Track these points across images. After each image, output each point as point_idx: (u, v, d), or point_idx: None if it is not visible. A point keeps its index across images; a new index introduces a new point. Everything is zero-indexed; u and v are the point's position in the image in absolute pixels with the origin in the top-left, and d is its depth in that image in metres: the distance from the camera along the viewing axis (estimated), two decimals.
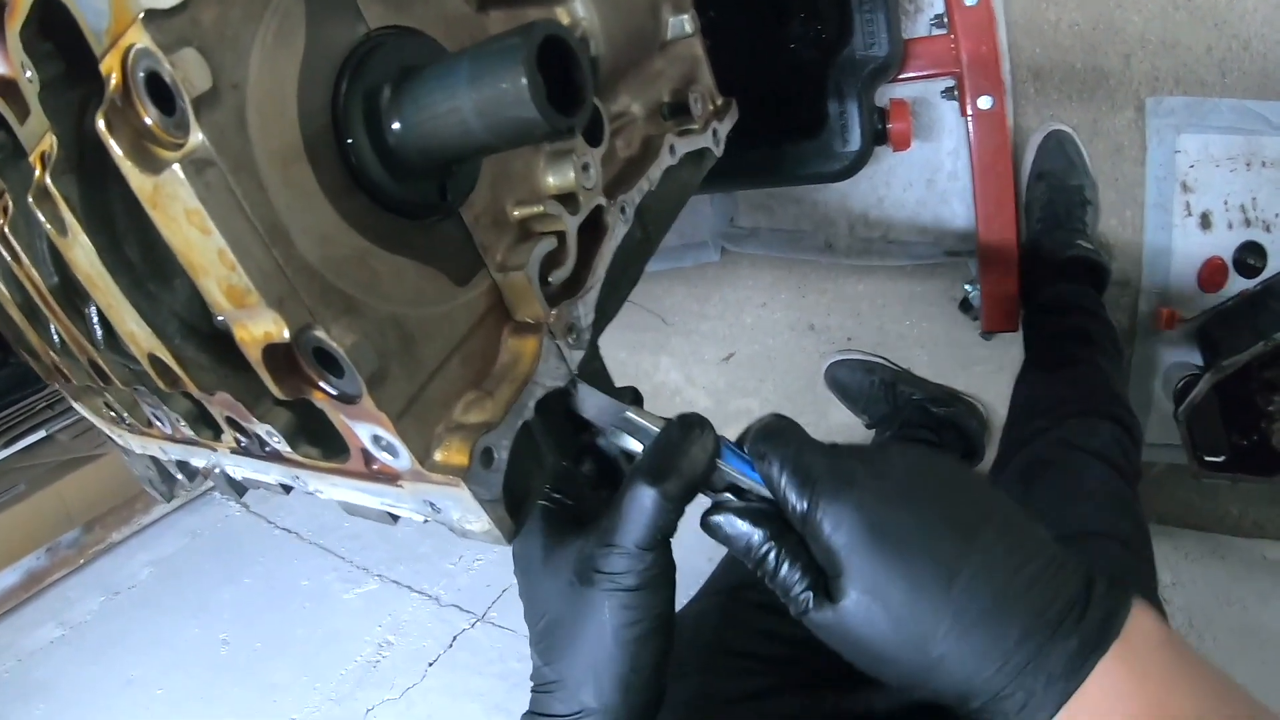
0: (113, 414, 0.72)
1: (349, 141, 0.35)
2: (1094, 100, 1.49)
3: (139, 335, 0.41)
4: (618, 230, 0.46)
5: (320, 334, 0.31)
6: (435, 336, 0.37)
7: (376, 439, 0.36)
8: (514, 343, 0.40)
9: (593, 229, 0.45)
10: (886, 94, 1.33)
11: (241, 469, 0.55)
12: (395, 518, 0.44)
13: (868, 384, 1.72)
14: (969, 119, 1.41)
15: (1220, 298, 1.48)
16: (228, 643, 1.63)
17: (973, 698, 0.36)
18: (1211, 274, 1.48)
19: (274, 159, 0.31)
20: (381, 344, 0.34)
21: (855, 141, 1.23)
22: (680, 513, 0.40)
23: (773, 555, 0.38)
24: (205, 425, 0.54)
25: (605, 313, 0.46)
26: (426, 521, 0.40)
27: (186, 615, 1.72)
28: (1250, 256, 1.44)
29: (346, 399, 0.34)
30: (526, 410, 0.39)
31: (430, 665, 1.49)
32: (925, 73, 1.39)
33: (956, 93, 1.42)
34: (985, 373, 1.68)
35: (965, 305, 1.61)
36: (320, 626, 1.61)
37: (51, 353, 0.68)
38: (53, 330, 0.64)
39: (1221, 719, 0.35)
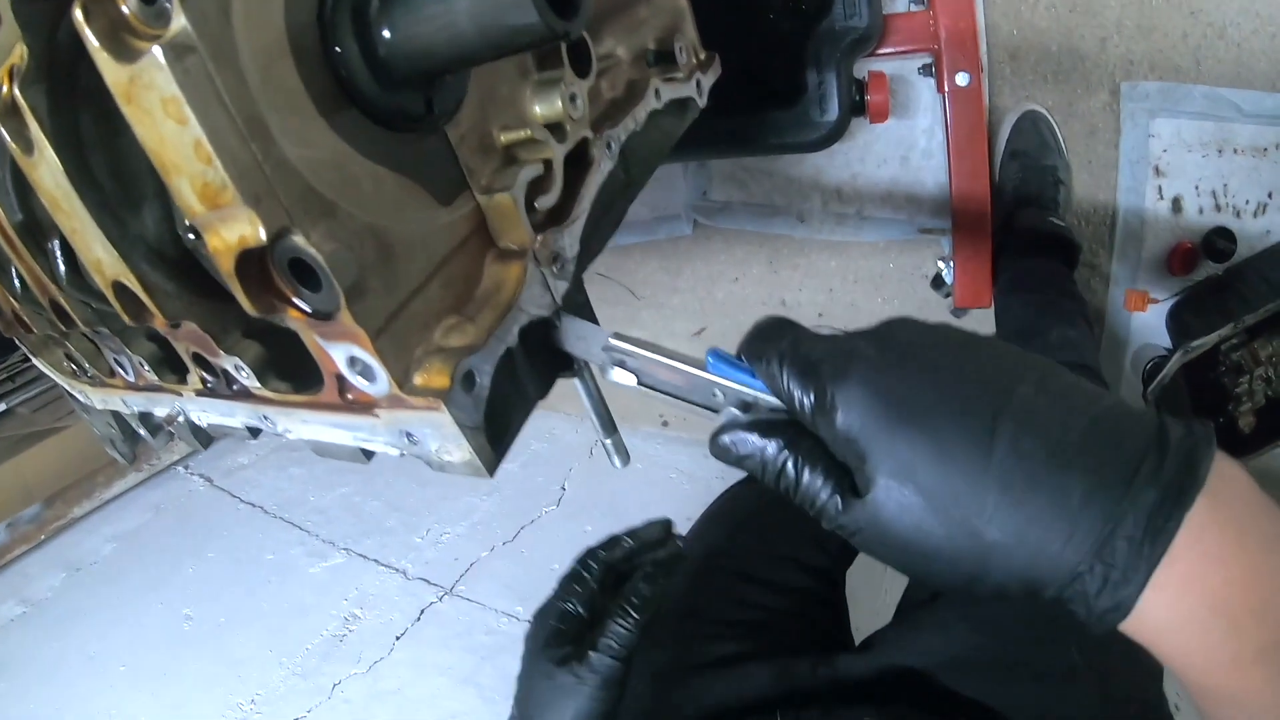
0: (74, 366, 0.70)
1: (336, 46, 0.33)
2: (1069, 82, 1.50)
3: (105, 262, 0.39)
4: (603, 165, 0.45)
5: (298, 240, 0.30)
6: (416, 254, 0.36)
7: (353, 361, 0.34)
8: (497, 269, 0.39)
9: (579, 163, 0.44)
10: (864, 68, 1.33)
11: (207, 414, 0.54)
12: (368, 455, 0.43)
13: None
14: (945, 96, 1.41)
15: (1190, 281, 1.51)
16: (191, 618, 1.60)
17: (1043, 585, 0.31)
18: (1182, 257, 1.50)
19: (257, 53, 0.30)
20: (361, 255, 0.33)
21: (833, 112, 1.22)
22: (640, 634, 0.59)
23: (791, 464, 0.34)
24: (169, 368, 0.52)
25: (589, 249, 0.45)
26: (402, 455, 0.39)
27: (149, 591, 1.68)
28: (1220, 241, 1.46)
29: (322, 315, 0.32)
30: (510, 336, 0.38)
31: (398, 639, 1.48)
32: (903, 48, 1.39)
33: (933, 69, 1.42)
34: None
35: (937, 282, 1.61)
36: (285, 600, 1.58)
37: (12, 300, 0.66)
38: (13, 274, 0.62)
39: None
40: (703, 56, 0.67)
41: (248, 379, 0.41)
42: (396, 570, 1.65)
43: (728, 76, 0.70)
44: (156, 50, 0.27)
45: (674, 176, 1.66)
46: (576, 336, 0.42)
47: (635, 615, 0.59)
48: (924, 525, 0.31)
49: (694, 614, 0.85)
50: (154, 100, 0.28)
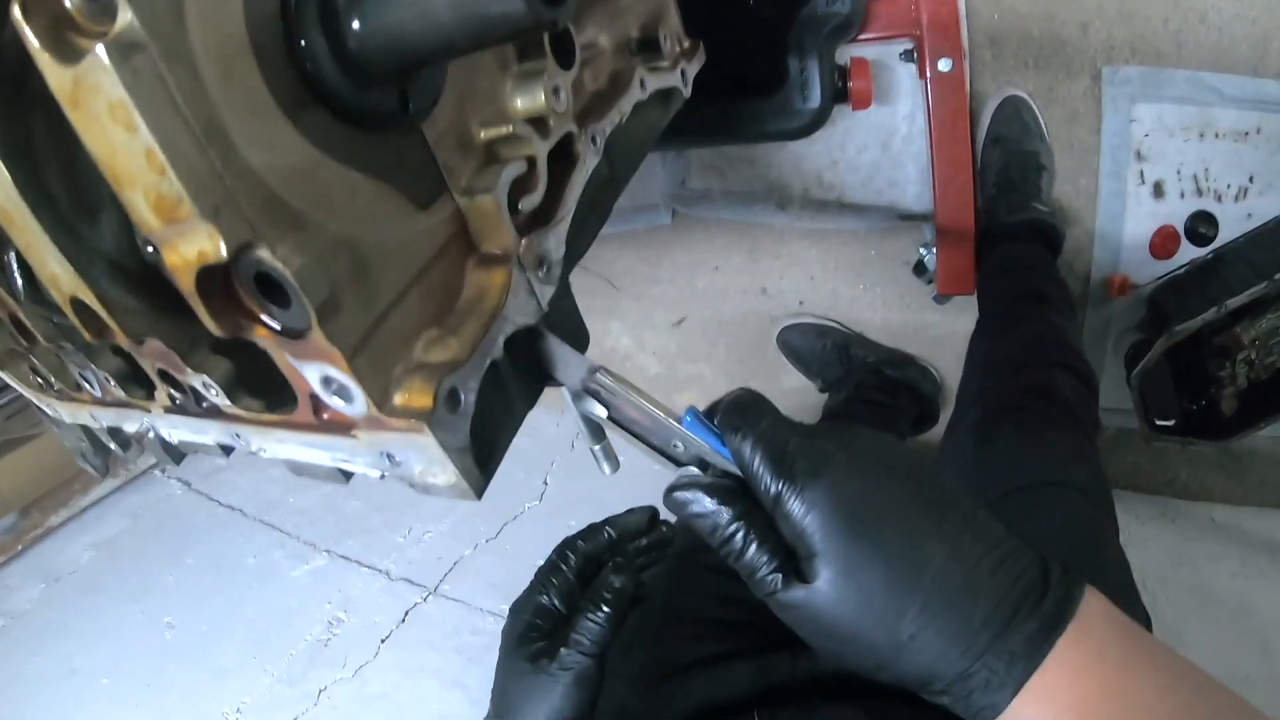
0: (39, 380, 0.67)
1: (301, 39, 0.31)
2: (1050, 67, 1.49)
3: (61, 277, 0.37)
4: (588, 161, 0.43)
5: (263, 254, 0.28)
6: (393, 265, 0.33)
7: (327, 381, 0.32)
8: (480, 275, 0.37)
9: (562, 159, 0.42)
10: (846, 54, 1.31)
11: (177, 431, 0.51)
12: (348, 475, 0.41)
13: (820, 348, 1.72)
14: (928, 81, 1.40)
15: (1172, 265, 1.51)
16: (173, 626, 1.57)
17: (937, 679, 0.36)
18: (1164, 242, 1.50)
19: (214, 50, 0.27)
20: (333, 269, 0.30)
21: (815, 99, 1.20)
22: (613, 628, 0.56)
23: (740, 535, 0.38)
24: (136, 383, 0.50)
25: (575, 251, 0.43)
26: (384, 477, 0.37)
27: (130, 599, 1.64)
28: (1202, 225, 1.46)
29: (293, 334, 0.30)
30: (495, 349, 0.36)
31: (383, 642, 1.46)
32: (885, 34, 1.38)
33: (915, 55, 1.41)
34: (939, 336, 1.69)
35: (919, 269, 1.61)
36: (268, 606, 1.55)
37: None
38: None
39: (1174, 693, 0.36)
40: (686, 44, 0.65)
41: (217, 397, 0.39)
42: (379, 571, 1.62)
43: (708, 64, 0.68)
44: (100, 49, 0.24)
45: (652, 166, 1.63)
46: (560, 362, 0.41)
47: (606, 609, 0.56)
48: (854, 619, 0.36)
49: (674, 613, 0.84)
50: (101, 105, 0.25)
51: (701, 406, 0.42)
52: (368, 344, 0.32)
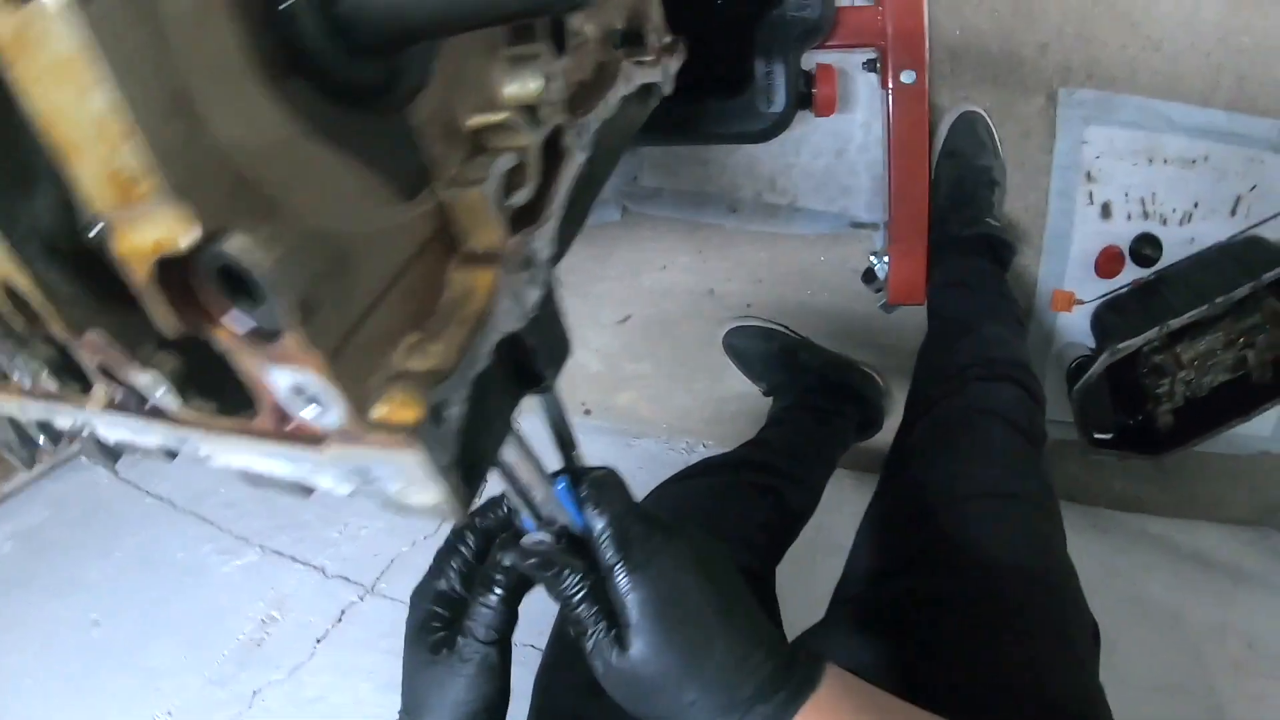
0: None
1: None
2: (1008, 85, 1.51)
3: None
4: (577, 155, 0.41)
5: (233, 245, 0.24)
6: (374, 260, 0.30)
7: (298, 390, 0.29)
8: (463, 276, 0.34)
9: (550, 153, 0.39)
10: (810, 59, 1.31)
11: (116, 431, 0.47)
12: (309, 490, 0.38)
13: (765, 351, 1.70)
14: (889, 92, 1.40)
15: (1116, 284, 1.55)
16: (99, 623, 1.48)
17: None
18: (1108, 261, 1.54)
19: (184, 4, 0.24)
20: (311, 262, 0.27)
21: (780, 103, 1.19)
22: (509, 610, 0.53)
23: (582, 594, 0.48)
24: (71, 376, 0.45)
25: (557, 253, 0.40)
26: (353, 495, 0.34)
27: (54, 595, 1.54)
28: (1146, 247, 1.50)
29: (262, 336, 0.27)
30: (481, 358, 0.33)
31: (319, 642, 1.40)
32: (850, 42, 1.38)
33: (879, 65, 1.42)
34: (886, 344, 1.70)
35: (869, 277, 1.61)
36: (199, 603, 1.47)
37: None
38: None
39: None
40: (668, 40, 0.63)
41: (164, 397, 0.35)
42: (314, 568, 1.56)
43: None
44: None
45: None
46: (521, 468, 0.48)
47: (497, 591, 0.53)
48: (654, 683, 0.46)
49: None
50: (48, 59, 0.21)
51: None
52: (346, 348, 0.28)
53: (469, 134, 0.36)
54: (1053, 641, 0.71)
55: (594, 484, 0.49)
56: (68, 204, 0.32)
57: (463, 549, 0.57)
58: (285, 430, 0.33)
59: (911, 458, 1.04)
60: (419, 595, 0.58)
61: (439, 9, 0.27)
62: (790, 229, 1.68)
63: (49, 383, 0.43)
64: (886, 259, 1.53)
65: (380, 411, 0.30)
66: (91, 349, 0.33)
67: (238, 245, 0.24)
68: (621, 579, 0.47)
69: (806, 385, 1.64)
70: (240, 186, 0.26)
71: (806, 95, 1.23)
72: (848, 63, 1.48)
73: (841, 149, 1.62)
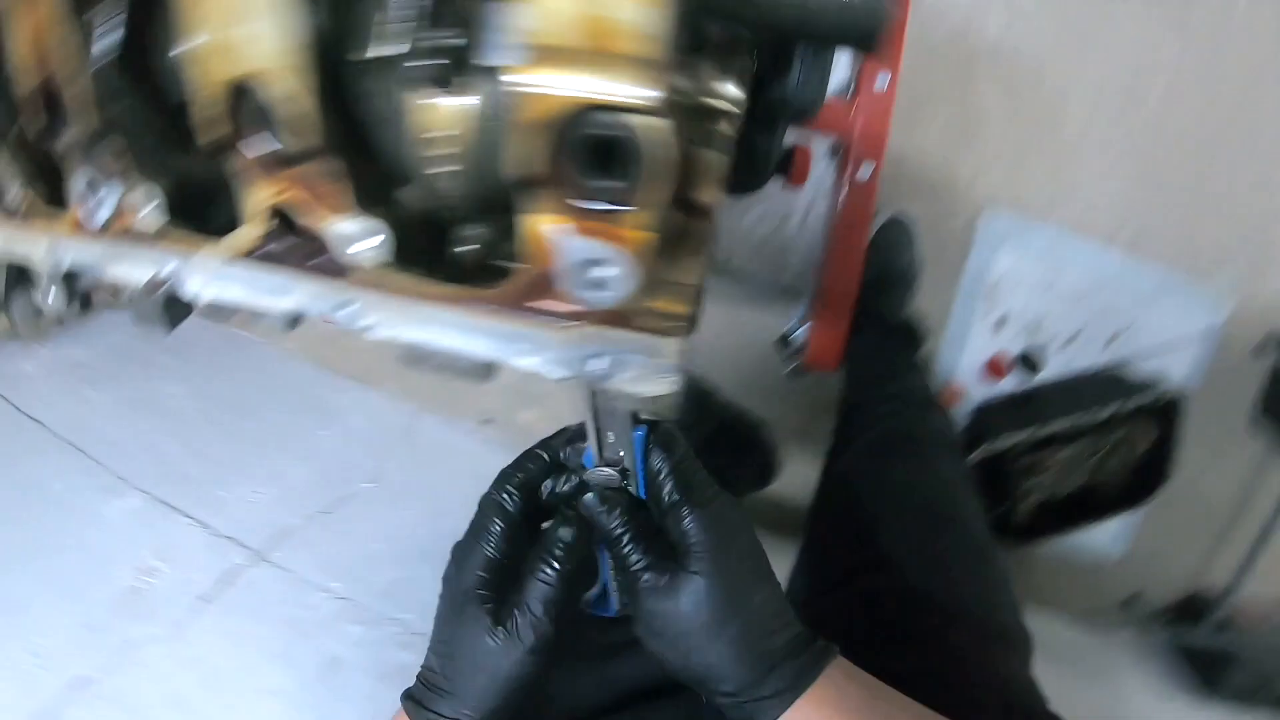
0: None
1: None
2: (938, 199, 1.69)
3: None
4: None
5: (635, 121, 0.26)
6: (675, 161, 0.30)
7: (590, 263, 0.30)
8: (684, 220, 0.35)
9: None
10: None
11: (231, 285, 0.39)
12: (489, 370, 0.37)
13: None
14: (845, 180, 1.55)
15: (999, 388, 1.75)
16: None
17: (730, 681, 0.50)
18: (996, 367, 1.74)
19: None
20: (674, 154, 0.28)
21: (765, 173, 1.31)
22: (565, 584, 0.52)
23: (635, 530, 0.51)
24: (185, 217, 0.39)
25: None
26: (564, 379, 0.35)
27: None
28: (1029, 361, 1.72)
29: (617, 197, 0.28)
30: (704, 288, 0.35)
31: (203, 601, 1.34)
32: (821, 129, 1.52)
33: (840, 154, 1.57)
34: (788, 407, 1.82)
35: (783, 342, 1.69)
36: (74, 540, 1.37)
37: None
38: None
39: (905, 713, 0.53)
40: None
41: (369, 248, 0.34)
42: (201, 524, 1.48)
43: None
44: None
45: None
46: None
47: (555, 568, 0.51)
48: (700, 614, 0.49)
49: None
50: None
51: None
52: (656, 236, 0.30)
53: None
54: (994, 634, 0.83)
55: (663, 433, 0.52)
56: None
57: (507, 507, 0.55)
58: (519, 305, 0.34)
59: (850, 476, 1.16)
60: (462, 555, 0.55)
61: None
62: (718, 285, 1.78)
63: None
64: (806, 326, 1.65)
65: (660, 302, 0.33)
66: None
67: (639, 121, 0.27)
68: (685, 512, 0.50)
69: (708, 433, 1.71)
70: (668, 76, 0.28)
71: (786, 165, 1.35)
72: (817, 147, 1.62)
73: (785, 219, 1.76)
